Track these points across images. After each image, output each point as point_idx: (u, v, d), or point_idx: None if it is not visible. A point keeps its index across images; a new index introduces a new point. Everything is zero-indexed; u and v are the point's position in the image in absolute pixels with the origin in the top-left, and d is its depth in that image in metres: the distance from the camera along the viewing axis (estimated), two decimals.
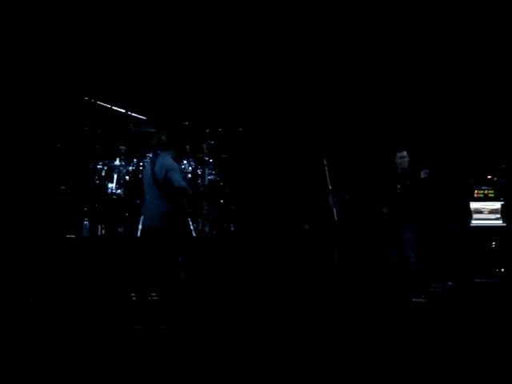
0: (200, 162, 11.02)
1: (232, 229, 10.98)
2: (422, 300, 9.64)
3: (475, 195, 11.03)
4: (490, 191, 11.02)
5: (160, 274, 8.99)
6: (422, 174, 10.03)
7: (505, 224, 10.95)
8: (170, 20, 11.89)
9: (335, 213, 9.81)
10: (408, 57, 11.83)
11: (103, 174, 10.82)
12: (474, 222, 11.01)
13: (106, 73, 11.80)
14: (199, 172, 11.03)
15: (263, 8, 11.75)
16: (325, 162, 9.86)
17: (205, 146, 10.99)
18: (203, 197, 10.88)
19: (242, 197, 10.91)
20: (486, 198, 11.04)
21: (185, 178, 9.78)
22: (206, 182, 10.93)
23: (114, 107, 11.10)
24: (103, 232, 10.65)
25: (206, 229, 10.82)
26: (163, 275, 8.94)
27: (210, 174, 10.99)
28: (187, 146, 9.70)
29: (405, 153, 9.96)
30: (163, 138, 10.86)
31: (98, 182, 10.79)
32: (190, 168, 10.96)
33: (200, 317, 8.40)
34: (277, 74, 12.00)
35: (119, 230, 10.65)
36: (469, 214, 11.01)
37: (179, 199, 9.05)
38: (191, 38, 11.97)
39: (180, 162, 9.93)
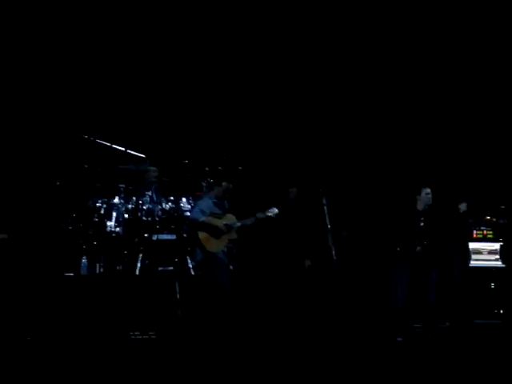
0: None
1: (231, 267, 10.93)
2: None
3: (474, 236, 11.01)
4: (489, 232, 11.00)
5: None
6: (461, 207, 9.97)
7: (504, 265, 10.91)
8: (167, 58, 11.99)
9: (333, 251, 9.79)
10: (403, 95, 11.91)
11: (102, 211, 10.78)
12: (472, 262, 10.97)
13: (105, 111, 11.85)
14: None
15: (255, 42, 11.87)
16: (324, 201, 9.88)
17: (204, 184, 10.99)
18: None
19: (241, 235, 10.86)
20: (484, 239, 11.01)
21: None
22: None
23: (113, 145, 11.10)
24: (101, 270, 10.59)
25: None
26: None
27: None
28: (223, 183, 10.13)
29: (429, 189, 9.99)
30: (155, 174, 11.00)
31: (96, 219, 10.74)
32: (189, 206, 10.94)
33: (197, 355, 8.34)
34: (275, 112, 12.06)
35: (118, 268, 10.59)
36: (467, 254, 10.97)
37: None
38: (190, 77, 12.05)
39: (223, 200, 10.23)
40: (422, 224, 9.98)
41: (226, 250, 10.07)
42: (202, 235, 9.92)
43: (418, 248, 9.86)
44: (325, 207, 9.88)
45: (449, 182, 11.23)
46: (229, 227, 9.96)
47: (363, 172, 11.84)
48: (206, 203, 10.09)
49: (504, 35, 11.46)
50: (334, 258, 9.83)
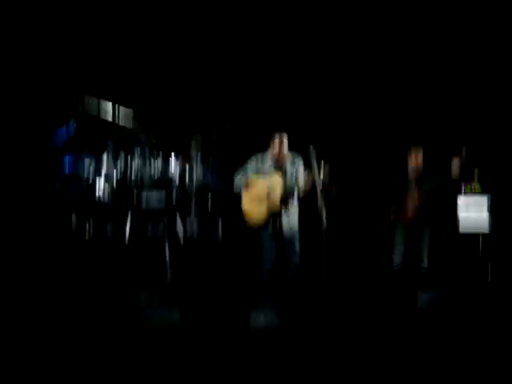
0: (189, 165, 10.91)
1: (221, 233, 10.87)
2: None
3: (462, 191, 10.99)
4: (476, 187, 10.96)
5: None
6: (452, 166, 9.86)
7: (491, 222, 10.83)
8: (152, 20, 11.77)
9: (324, 212, 9.58)
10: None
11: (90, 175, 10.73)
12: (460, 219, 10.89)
13: (95, 65, 11.59)
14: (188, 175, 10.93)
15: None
16: (314, 158, 9.58)
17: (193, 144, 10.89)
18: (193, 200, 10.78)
19: (230, 198, 10.78)
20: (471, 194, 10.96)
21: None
22: (196, 186, 10.81)
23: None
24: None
25: (195, 232, 10.70)
26: None
27: (198, 177, 10.86)
28: (276, 136, 9.18)
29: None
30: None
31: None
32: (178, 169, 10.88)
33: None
34: (263, 70, 11.86)
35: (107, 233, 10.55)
36: (456, 219, 10.93)
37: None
38: (176, 37, 11.85)
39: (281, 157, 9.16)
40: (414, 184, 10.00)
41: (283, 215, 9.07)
42: (244, 201, 9.09)
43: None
44: (315, 164, 9.61)
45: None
46: (270, 190, 9.01)
47: (356, 128, 11.68)
48: (252, 163, 9.17)
49: None
50: (324, 219, 9.63)
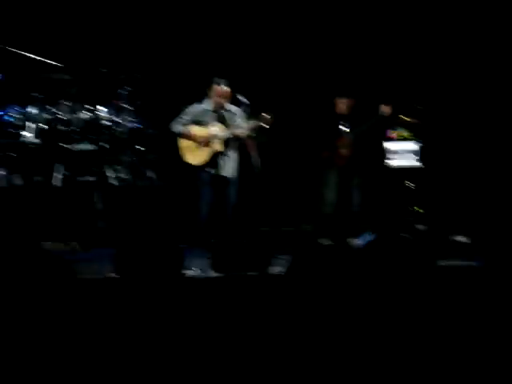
0: (119, 109, 10.72)
1: (153, 177, 10.80)
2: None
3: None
4: (405, 133, 10.95)
5: None
6: (382, 110, 9.94)
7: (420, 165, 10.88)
8: None
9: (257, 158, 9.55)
10: None
11: (17, 122, 10.45)
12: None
13: (19, 17, 11.27)
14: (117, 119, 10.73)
15: None
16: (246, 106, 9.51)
17: (122, 91, 10.72)
18: (123, 144, 10.65)
19: (163, 144, 10.67)
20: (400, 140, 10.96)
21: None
22: (126, 130, 10.68)
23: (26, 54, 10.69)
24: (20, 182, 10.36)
25: (126, 177, 10.60)
26: None
27: (128, 121, 10.71)
28: (213, 85, 9.33)
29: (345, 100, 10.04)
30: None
31: (11, 130, 10.44)
32: (108, 115, 10.67)
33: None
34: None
35: (36, 179, 10.38)
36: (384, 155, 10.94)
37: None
38: None
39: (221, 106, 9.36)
40: (343, 128, 10.05)
41: (222, 161, 9.32)
42: (182, 145, 9.27)
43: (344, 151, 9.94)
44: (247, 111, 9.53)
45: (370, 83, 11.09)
46: (211, 138, 9.20)
47: (287, 76, 11.48)
48: (192, 110, 9.33)
49: None
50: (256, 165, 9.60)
